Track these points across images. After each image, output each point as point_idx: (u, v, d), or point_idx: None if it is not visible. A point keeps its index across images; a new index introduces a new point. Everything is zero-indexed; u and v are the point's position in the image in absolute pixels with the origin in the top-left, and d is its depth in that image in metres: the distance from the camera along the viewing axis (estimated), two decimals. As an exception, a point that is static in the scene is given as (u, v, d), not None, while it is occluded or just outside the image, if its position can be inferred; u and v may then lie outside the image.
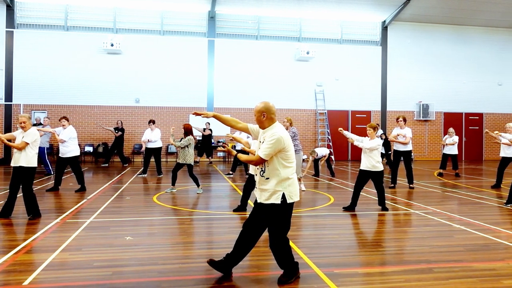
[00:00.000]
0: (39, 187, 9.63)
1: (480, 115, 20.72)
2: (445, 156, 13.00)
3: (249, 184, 6.96)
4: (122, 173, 12.95)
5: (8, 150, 16.52)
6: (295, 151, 9.29)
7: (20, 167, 6.21)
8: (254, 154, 3.79)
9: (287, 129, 9.48)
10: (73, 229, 5.63)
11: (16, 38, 17.02)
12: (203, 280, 3.83)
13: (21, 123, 6.27)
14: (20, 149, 6.18)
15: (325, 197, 8.57)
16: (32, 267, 4.08)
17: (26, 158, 6.22)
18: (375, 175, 7.08)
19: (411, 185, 10.00)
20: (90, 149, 16.96)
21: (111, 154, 16.01)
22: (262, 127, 3.76)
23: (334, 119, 19.12)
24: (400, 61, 19.91)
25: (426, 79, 20.10)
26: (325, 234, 5.75)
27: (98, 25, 17.70)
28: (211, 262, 3.90)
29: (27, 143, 6.20)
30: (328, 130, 18.58)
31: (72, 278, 3.84)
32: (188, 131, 9.17)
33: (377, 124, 17.32)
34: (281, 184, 3.61)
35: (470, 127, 20.65)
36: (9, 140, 6.44)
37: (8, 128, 16.57)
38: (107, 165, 15.61)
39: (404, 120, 9.97)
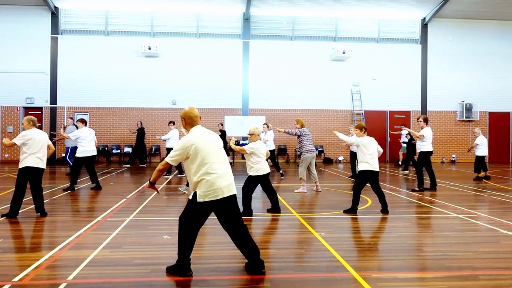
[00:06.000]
0: (80, 186, 10.03)
1: (529, 114, 19.65)
2: (479, 158, 12.38)
3: (248, 185, 6.74)
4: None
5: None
6: (306, 151, 9.13)
7: (21, 168, 6.42)
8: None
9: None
10: (114, 227, 5.80)
11: (60, 43, 17.82)
12: (238, 281, 3.84)
13: (23, 124, 6.63)
14: (6, 146, 6.53)
15: (362, 199, 8.39)
16: (75, 263, 4.23)
17: (21, 161, 6.39)
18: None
19: (431, 188, 9.58)
20: (129, 149, 17.50)
21: (135, 155, 16.64)
22: (188, 131, 4.00)
23: (371, 120, 18.72)
24: (441, 60, 19.21)
25: (469, 78, 19.28)
26: (362, 237, 5.62)
27: (136, 29, 18.24)
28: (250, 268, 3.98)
29: (14, 144, 6.38)
30: (365, 131, 18.18)
31: (113, 274, 3.96)
32: None
33: (402, 124, 16.78)
34: (194, 183, 3.80)
35: (518, 127, 19.62)
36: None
37: (53, 129, 17.36)
38: (129, 165, 16.13)
39: (425, 120, 9.63)
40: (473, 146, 12.44)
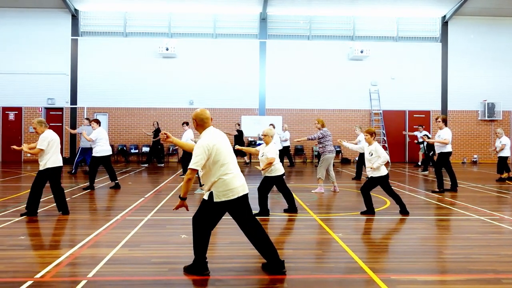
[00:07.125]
0: (99, 186, 10.19)
1: (554, 114, 19.07)
2: (501, 159, 12.05)
3: (264, 186, 6.70)
4: (177, 173, 13.36)
5: (73, 150, 17.64)
6: (327, 151, 9.05)
7: (42, 170, 6.44)
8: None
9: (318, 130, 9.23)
10: (132, 226, 5.87)
11: (80, 45, 18.15)
12: (255, 280, 3.84)
13: (34, 128, 6.59)
14: (34, 154, 6.42)
15: (380, 200, 8.28)
16: (95, 260, 4.30)
17: (43, 162, 6.43)
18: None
19: (452, 190, 9.38)
20: (147, 149, 17.70)
21: (152, 155, 16.81)
22: (199, 132, 3.98)
23: (390, 120, 18.47)
24: (462, 58, 18.81)
25: (491, 76, 18.82)
26: (381, 238, 5.54)
27: (154, 31, 18.44)
28: (267, 267, 4.02)
29: (42, 149, 6.38)
30: (384, 131, 17.98)
31: (131, 272, 4.00)
32: None
33: (420, 125, 16.44)
34: (211, 183, 3.81)
35: (542, 127, 19.06)
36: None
37: (73, 129, 17.67)
38: (147, 165, 16.30)
39: (444, 121, 9.40)
40: (502, 148, 12.01)
